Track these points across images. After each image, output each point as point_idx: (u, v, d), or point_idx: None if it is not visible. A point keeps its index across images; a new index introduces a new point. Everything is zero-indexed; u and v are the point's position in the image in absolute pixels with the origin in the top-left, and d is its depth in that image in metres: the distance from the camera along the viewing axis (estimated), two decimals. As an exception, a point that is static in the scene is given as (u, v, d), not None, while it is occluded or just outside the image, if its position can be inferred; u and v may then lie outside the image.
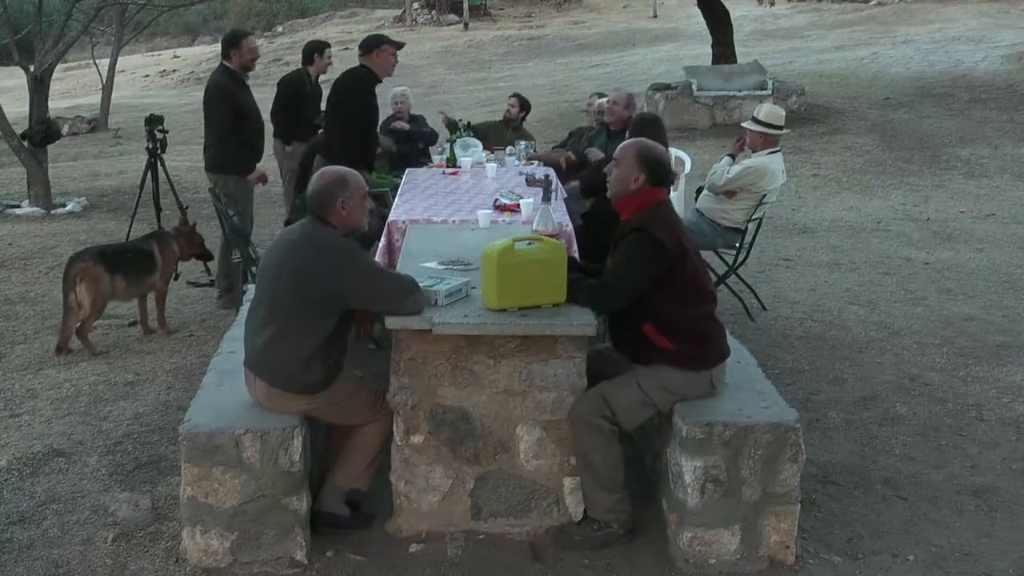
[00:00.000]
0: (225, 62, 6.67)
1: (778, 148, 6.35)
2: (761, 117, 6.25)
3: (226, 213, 6.08)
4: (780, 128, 6.27)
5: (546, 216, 4.34)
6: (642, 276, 3.64)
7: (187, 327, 6.38)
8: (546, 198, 4.48)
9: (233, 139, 6.52)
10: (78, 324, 5.84)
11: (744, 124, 6.47)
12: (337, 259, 3.57)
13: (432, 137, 8.45)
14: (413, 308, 3.55)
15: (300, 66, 8.10)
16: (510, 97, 9.00)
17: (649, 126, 5.82)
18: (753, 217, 6.38)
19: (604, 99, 7.57)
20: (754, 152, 6.31)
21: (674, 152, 8.49)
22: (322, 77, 8.09)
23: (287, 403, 3.63)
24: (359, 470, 3.85)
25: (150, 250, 6.20)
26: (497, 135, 8.40)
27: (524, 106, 8.89)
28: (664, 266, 3.61)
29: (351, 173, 3.71)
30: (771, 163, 6.22)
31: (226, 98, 6.52)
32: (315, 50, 8.04)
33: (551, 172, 6.67)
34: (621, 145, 3.85)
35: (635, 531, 3.83)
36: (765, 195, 6.24)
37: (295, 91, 7.87)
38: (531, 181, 6.19)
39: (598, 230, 5.38)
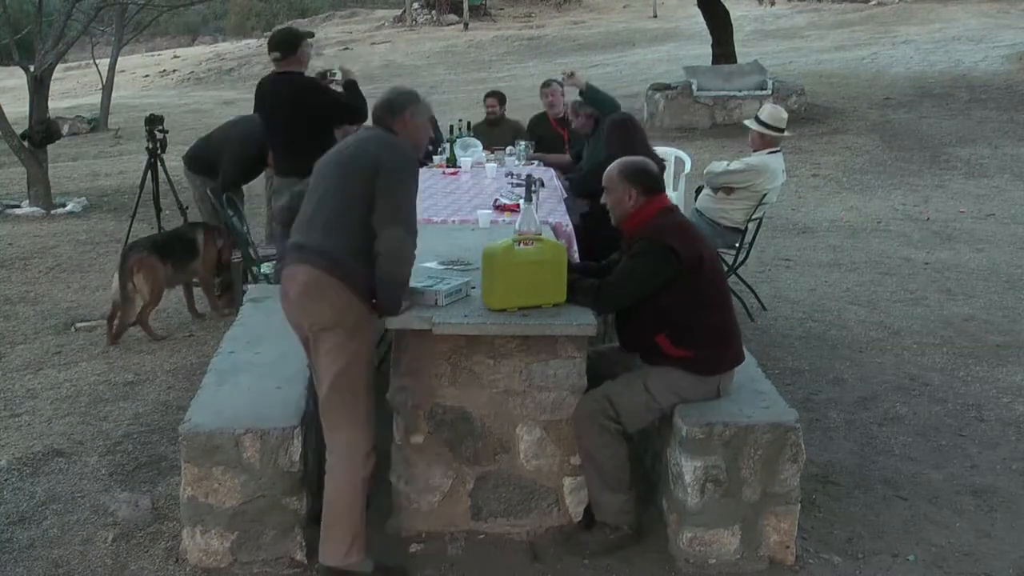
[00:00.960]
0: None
1: (778, 148, 6.35)
2: (763, 117, 6.24)
3: (226, 213, 6.09)
4: (780, 131, 6.27)
5: (528, 216, 4.29)
6: (644, 283, 3.64)
7: (187, 327, 6.37)
8: (528, 198, 4.44)
9: None
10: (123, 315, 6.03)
11: (746, 122, 6.48)
12: (394, 158, 3.39)
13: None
14: (400, 251, 3.34)
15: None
16: (487, 97, 8.76)
17: (623, 127, 5.83)
18: (753, 217, 6.38)
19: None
20: (754, 151, 6.32)
21: (674, 152, 8.51)
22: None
23: (321, 294, 3.36)
24: (345, 546, 3.45)
25: (194, 238, 6.41)
26: (489, 138, 8.34)
27: (502, 101, 8.74)
28: (674, 273, 3.59)
29: (422, 94, 3.65)
30: (771, 163, 6.22)
31: None
32: None
33: (548, 172, 6.68)
34: (605, 174, 3.82)
35: (641, 530, 3.83)
36: (765, 195, 6.24)
37: None
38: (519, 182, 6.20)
39: (598, 229, 5.39)
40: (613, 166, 3.82)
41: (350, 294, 3.37)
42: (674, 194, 8.14)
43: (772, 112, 6.31)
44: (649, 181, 3.75)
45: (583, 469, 3.79)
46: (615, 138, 5.76)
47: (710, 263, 3.71)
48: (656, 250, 3.61)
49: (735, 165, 6.22)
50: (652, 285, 3.63)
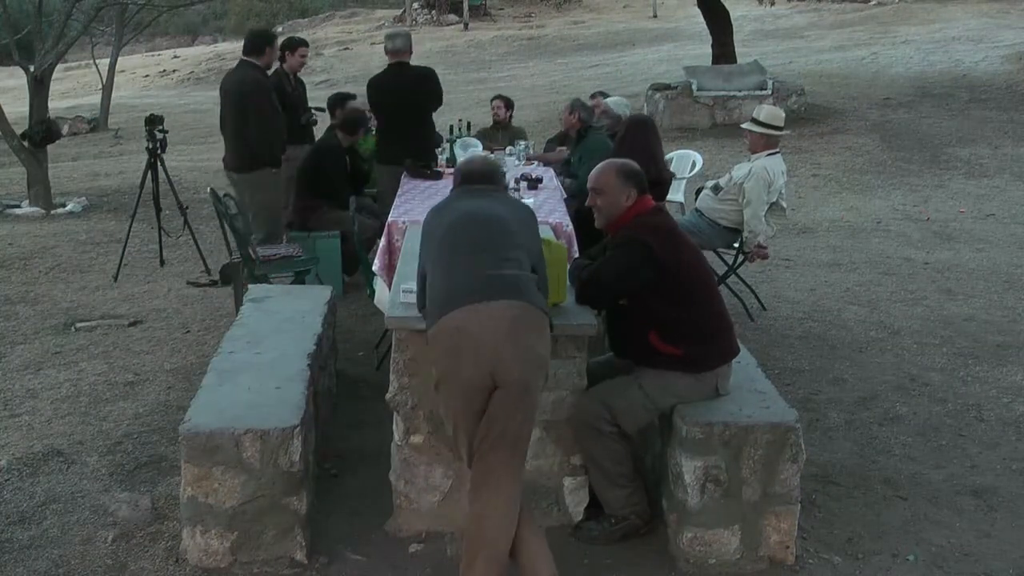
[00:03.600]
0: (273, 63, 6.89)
1: (777, 150, 6.33)
2: (762, 118, 6.22)
3: (226, 213, 6.09)
4: (780, 129, 6.26)
5: None
6: (620, 276, 3.66)
7: (187, 327, 6.37)
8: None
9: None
10: None
11: (744, 125, 6.46)
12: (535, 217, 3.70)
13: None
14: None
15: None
16: (494, 99, 9.02)
17: (642, 127, 5.89)
18: None
19: (605, 99, 7.67)
20: (753, 153, 6.30)
21: (692, 155, 8.58)
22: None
23: (535, 333, 3.19)
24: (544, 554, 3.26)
25: None
26: (492, 140, 8.40)
27: (509, 105, 8.93)
28: (653, 270, 3.61)
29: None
30: (771, 165, 6.21)
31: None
32: (286, 47, 7.85)
33: (547, 171, 6.69)
34: (596, 175, 3.82)
35: (654, 520, 3.83)
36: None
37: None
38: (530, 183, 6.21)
39: (597, 229, 5.40)
40: (609, 168, 3.81)
41: (549, 330, 3.29)
42: (680, 194, 8.19)
43: (770, 112, 6.30)
44: (643, 182, 3.79)
45: (586, 469, 3.80)
46: (632, 138, 5.80)
47: (690, 261, 3.72)
48: (634, 245, 3.64)
49: (749, 189, 6.14)
50: (630, 279, 3.64)
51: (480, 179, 3.63)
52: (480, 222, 3.41)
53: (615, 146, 6.13)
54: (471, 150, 7.09)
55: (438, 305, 3.24)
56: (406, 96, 6.83)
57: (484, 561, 3.17)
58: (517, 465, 3.21)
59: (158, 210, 7.75)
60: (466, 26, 28.61)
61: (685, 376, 3.67)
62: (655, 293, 3.63)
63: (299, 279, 6.19)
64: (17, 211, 9.93)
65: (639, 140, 5.78)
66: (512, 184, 5.97)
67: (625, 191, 3.73)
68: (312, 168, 7.03)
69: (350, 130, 7.17)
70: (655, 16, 28.18)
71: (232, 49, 28.87)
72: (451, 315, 3.16)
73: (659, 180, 5.73)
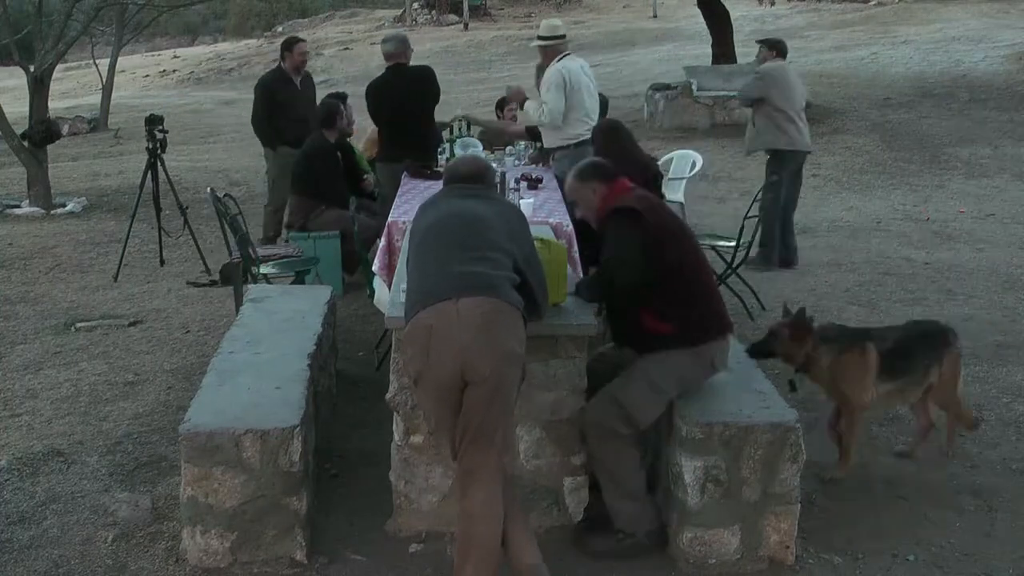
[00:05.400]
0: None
1: (568, 52, 6.75)
2: (541, 33, 6.85)
3: (226, 213, 6.09)
4: (560, 38, 6.74)
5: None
6: (630, 246, 3.66)
7: (187, 327, 6.37)
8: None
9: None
10: None
11: (532, 45, 7.07)
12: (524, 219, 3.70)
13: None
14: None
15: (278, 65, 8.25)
16: (509, 104, 8.97)
17: (610, 133, 5.95)
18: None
19: None
20: (547, 67, 6.68)
21: (692, 155, 8.59)
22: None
23: (507, 329, 3.19)
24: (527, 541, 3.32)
25: None
26: (496, 139, 8.37)
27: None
28: (648, 231, 3.64)
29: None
30: (565, 66, 6.52)
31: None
32: (284, 47, 8.07)
33: (547, 172, 6.69)
34: (566, 190, 4.08)
35: (662, 538, 3.75)
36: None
37: (270, 93, 7.91)
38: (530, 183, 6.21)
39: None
40: (569, 181, 3.96)
41: (522, 320, 3.29)
42: (677, 195, 8.19)
43: (546, 25, 6.94)
44: (602, 170, 3.90)
45: (598, 478, 3.77)
46: (605, 143, 5.81)
47: (676, 231, 3.78)
48: (623, 216, 3.70)
49: (544, 92, 6.55)
50: (639, 246, 3.64)
51: (467, 179, 3.62)
52: (458, 223, 3.41)
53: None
54: (471, 150, 7.09)
55: (412, 304, 3.29)
56: (405, 96, 6.84)
57: (475, 562, 3.18)
58: (496, 460, 3.22)
59: (158, 210, 7.75)
60: (466, 26, 28.61)
61: (684, 353, 3.66)
62: (647, 263, 3.63)
63: (299, 279, 6.20)
64: (17, 211, 9.93)
65: (614, 148, 5.80)
66: (512, 184, 5.96)
67: (589, 188, 3.85)
68: (303, 170, 7.07)
69: (327, 123, 7.18)
70: (655, 16, 28.18)
71: (231, 49, 28.92)
72: (422, 314, 3.20)
73: (648, 178, 5.74)
